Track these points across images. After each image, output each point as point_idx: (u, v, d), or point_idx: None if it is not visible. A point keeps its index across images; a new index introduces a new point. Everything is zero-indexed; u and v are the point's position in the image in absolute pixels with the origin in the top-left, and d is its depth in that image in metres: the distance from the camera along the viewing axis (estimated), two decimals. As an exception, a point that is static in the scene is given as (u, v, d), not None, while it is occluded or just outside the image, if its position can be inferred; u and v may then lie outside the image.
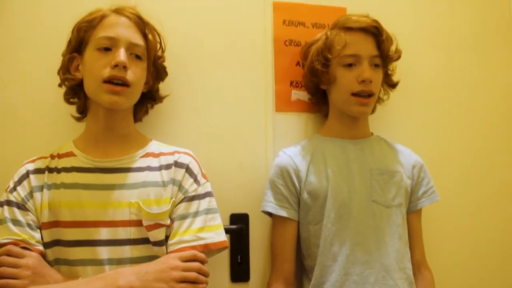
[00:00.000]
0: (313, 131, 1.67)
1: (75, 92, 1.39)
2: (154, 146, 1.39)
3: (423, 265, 1.57)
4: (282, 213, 1.49)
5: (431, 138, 1.81)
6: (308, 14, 1.73)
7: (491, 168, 1.86)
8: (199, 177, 1.34)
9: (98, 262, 1.21)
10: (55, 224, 1.24)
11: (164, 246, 1.26)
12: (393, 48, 1.56)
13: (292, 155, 1.54)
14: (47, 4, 1.56)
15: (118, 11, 1.34)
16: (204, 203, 1.31)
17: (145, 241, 1.24)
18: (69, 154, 1.33)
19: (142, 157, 1.34)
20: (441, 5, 1.89)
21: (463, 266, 1.78)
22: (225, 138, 1.62)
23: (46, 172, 1.30)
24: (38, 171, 1.30)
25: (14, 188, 1.26)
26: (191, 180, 1.32)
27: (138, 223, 1.24)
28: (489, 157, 1.87)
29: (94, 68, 1.28)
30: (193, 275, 1.18)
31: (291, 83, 1.69)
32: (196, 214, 1.28)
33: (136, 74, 1.30)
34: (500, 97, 1.90)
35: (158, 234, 1.25)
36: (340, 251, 1.43)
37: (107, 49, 1.28)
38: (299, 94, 1.69)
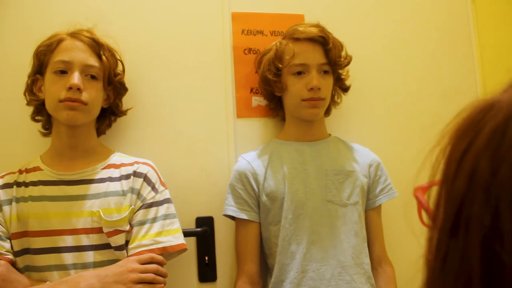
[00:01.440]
0: (273, 135, 1.73)
1: (39, 110, 1.49)
2: (116, 157, 1.48)
3: (383, 260, 1.62)
4: (243, 216, 1.55)
5: (387, 137, 1.86)
6: (266, 22, 1.79)
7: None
8: (157, 185, 1.43)
9: (64, 267, 1.31)
10: (24, 234, 1.33)
11: (125, 250, 1.35)
12: (342, 54, 1.62)
13: (250, 160, 1.60)
14: (11, 27, 1.63)
15: (73, 35, 1.43)
16: (162, 209, 1.40)
17: (107, 246, 1.34)
18: (36, 169, 1.43)
19: (103, 168, 1.44)
20: (394, 10, 1.94)
21: (422, 261, 1.82)
22: (189, 145, 1.69)
23: (15, 186, 1.39)
24: (7, 186, 1.39)
25: None
26: (149, 188, 1.41)
27: (99, 230, 1.34)
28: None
29: (52, 90, 1.38)
30: (150, 276, 1.27)
31: (251, 90, 1.75)
32: (154, 219, 1.37)
33: (91, 94, 1.39)
34: (452, 95, 1.94)
35: (118, 240, 1.34)
36: (298, 249, 1.50)
37: (63, 72, 1.38)
38: (259, 100, 1.75)
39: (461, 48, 1.99)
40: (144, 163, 1.46)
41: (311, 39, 1.56)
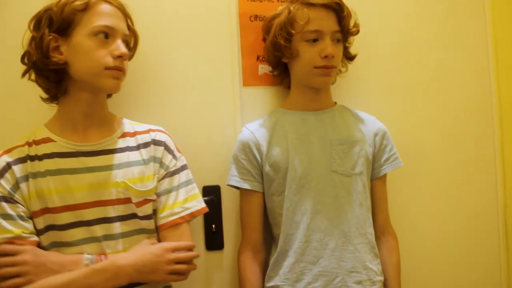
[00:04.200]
0: (279, 104, 1.72)
1: (50, 75, 1.34)
2: (127, 125, 1.46)
3: (387, 229, 1.64)
4: (246, 186, 1.57)
5: (393, 105, 1.84)
6: (273, -12, 1.74)
7: (452, 133, 1.89)
8: (176, 152, 1.45)
9: (95, 240, 1.30)
10: (45, 210, 1.28)
11: (152, 220, 1.39)
12: (351, 22, 1.59)
13: (253, 130, 1.60)
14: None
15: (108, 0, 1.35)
16: (183, 176, 1.44)
17: (133, 216, 1.35)
18: (47, 140, 1.34)
19: (120, 138, 1.41)
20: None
21: (426, 230, 1.85)
22: (195, 113, 1.69)
23: (28, 161, 1.31)
24: (20, 160, 1.30)
25: None
26: (170, 156, 1.43)
27: (125, 201, 1.34)
28: (450, 122, 1.89)
29: (95, 55, 1.29)
30: (183, 267, 1.32)
31: (258, 58, 1.73)
32: (178, 187, 1.41)
33: (127, 63, 1.37)
34: (460, 60, 1.91)
35: (146, 209, 1.37)
36: (302, 219, 1.51)
37: (105, 37, 1.30)
38: (266, 68, 1.73)
39: (472, 9, 1.93)
40: (159, 131, 1.46)
41: (326, 6, 1.52)
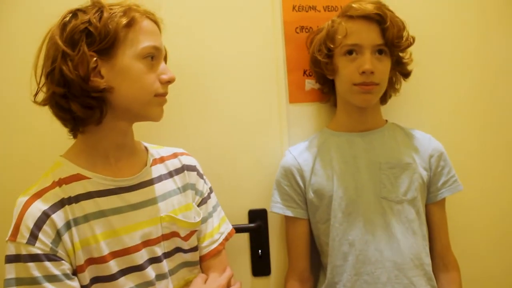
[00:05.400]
0: (328, 121, 1.61)
1: (96, 101, 1.10)
2: (152, 150, 1.31)
3: (447, 258, 1.50)
4: (289, 213, 1.49)
5: (452, 124, 1.67)
6: (319, -4, 1.62)
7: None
8: (203, 176, 1.38)
9: (149, 284, 1.17)
10: (90, 261, 1.10)
11: (197, 251, 1.31)
12: (404, 34, 1.44)
13: (296, 155, 1.51)
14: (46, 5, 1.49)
15: (148, 15, 1.17)
16: (213, 199, 1.38)
17: (176, 250, 1.25)
18: (78, 177, 1.14)
19: (151, 166, 1.26)
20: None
21: (490, 258, 1.69)
22: (240, 134, 1.60)
23: (66, 205, 1.10)
24: (57, 206, 1.08)
25: (35, 237, 1.04)
26: (202, 181, 1.36)
27: (170, 235, 1.22)
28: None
29: (146, 81, 1.13)
30: None
31: (304, 72, 1.62)
32: (212, 212, 1.35)
33: None
34: None
35: (193, 241, 1.29)
36: (350, 250, 1.41)
37: (151, 59, 1.14)
38: (313, 83, 1.62)
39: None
40: (185, 154, 1.36)
41: (366, 17, 1.39)
